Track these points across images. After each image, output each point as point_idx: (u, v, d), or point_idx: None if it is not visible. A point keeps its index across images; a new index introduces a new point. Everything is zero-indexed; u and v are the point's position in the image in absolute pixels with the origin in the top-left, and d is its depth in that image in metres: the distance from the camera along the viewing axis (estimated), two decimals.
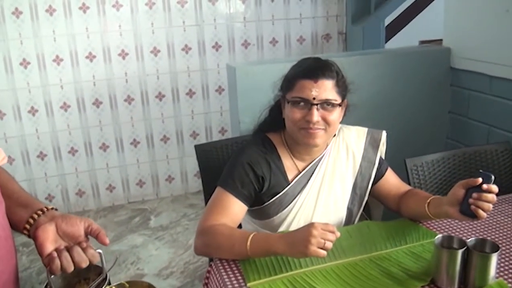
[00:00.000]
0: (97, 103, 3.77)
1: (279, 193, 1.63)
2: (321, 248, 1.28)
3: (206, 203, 1.98)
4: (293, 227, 1.62)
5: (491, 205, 1.34)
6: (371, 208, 1.90)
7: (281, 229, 1.66)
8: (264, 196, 1.63)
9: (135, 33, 3.71)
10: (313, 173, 1.66)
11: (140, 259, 3.19)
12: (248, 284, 1.32)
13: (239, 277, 1.37)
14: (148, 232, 3.58)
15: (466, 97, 2.75)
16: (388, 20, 4.12)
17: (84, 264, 1.00)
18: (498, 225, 1.61)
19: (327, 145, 1.69)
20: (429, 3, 4.18)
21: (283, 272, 1.37)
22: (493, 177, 1.35)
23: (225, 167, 1.66)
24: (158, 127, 3.97)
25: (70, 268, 0.99)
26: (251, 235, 1.40)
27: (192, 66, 3.90)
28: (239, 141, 2.04)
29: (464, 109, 2.78)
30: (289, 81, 1.59)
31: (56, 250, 1.01)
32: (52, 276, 1.11)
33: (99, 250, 1.05)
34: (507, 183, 1.99)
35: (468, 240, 1.30)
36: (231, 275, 1.38)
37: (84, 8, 3.54)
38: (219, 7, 3.85)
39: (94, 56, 3.66)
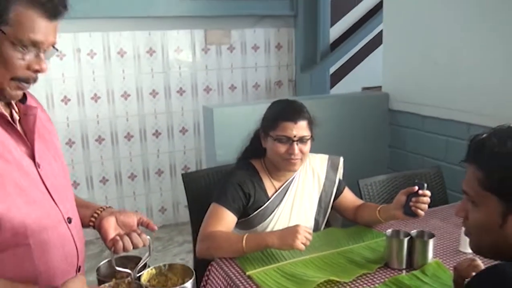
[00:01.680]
0: (70, 143, 4.04)
1: (261, 206, 2.01)
2: (302, 243, 1.68)
3: (191, 220, 2.33)
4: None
5: (426, 206, 1.79)
6: (330, 222, 2.31)
7: None
8: (249, 210, 2.01)
9: (107, 79, 4.05)
10: (287, 191, 2.06)
11: None
12: (248, 273, 1.69)
13: (238, 269, 1.72)
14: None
15: (403, 133, 3.27)
16: (332, 69, 4.69)
17: (140, 245, 1.34)
18: (431, 226, 2.07)
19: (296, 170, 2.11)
20: (368, 55, 4.77)
21: (272, 264, 1.75)
22: (425, 185, 1.80)
23: (217, 188, 2.02)
24: (126, 165, 4.27)
25: (130, 247, 1.32)
26: (245, 235, 1.77)
27: (159, 109, 4.27)
28: (220, 170, 2.40)
29: (401, 143, 3.29)
30: (273, 122, 1.98)
31: (118, 235, 1.34)
32: (101, 264, 1.43)
33: (148, 236, 1.39)
34: (438, 199, 2.47)
35: (411, 231, 1.74)
36: (231, 268, 1.74)
37: (61, 55, 3.86)
38: (184, 56, 4.27)
39: (69, 100, 3.96)
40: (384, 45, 3.43)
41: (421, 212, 1.79)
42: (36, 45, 1.11)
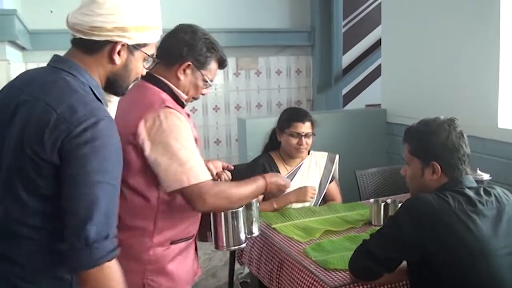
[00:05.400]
0: None
1: None
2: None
3: None
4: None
5: None
6: None
7: None
8: None
9: None
10: (296, 174, 2.83)
11: None
12: (273, 226, 2.45)
13: (266, 224, 2.49)
14: None
15: (397, 141, 4.00)
16: (344, 91, 5.48)
17: (227, 178, 2.04)
18: None
19: (303, 158, 2.87)
20: (376, 79, 5.54)
21: (289, 221, 2.51)
22: None
23: (247, 170, 2.80)
24: None
25: (228, 178, 2.04)
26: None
27: (198, 123, 5.07)
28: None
29: (396, 149, 4.03)
30: (287, 122, 2.78)
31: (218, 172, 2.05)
32: None
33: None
34: None
35: (387, 200, 2.50)
36: (261, 223, 2.50)
37: None
38: (219, 79, 5.10)
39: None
40: (383, 72, 4.23)
41: None
42: (211, 81, 1.88)
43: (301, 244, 2.23)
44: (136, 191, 1.67)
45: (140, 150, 1.62)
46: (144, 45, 1.41)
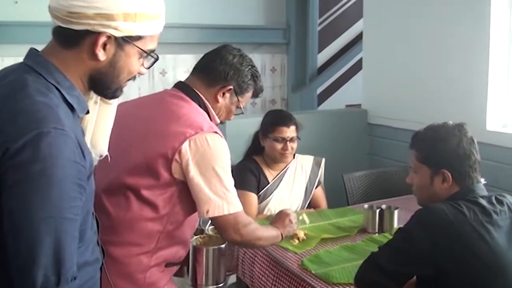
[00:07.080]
0: None
1: (264, 188, 2.67)
2: None
3: None
4: (272, 208, 2.66)
5: None
6: None
7: (265, 211, 2.67)
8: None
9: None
10: (282, 179, 2.72)
11: None
12: None
13: None
14: None
15: (379, 143, 3.94)
16: (319, 90, 5.39)
17: None
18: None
19: (288, 162, 2.75)
20: (351, 78, 5.47)
21: None
22: None
23: (235, 176, 2.66)
24: None
25: None
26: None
27: None
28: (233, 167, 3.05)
29: (378, 151, 3.96)
30: (271, 126, 2.65)
31: None
32: None
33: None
34: (407, 189, 3.13)
35: (382, 205, 2.40)
36: None
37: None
38: None
39: None
40: (364, 70, 4.14)
41: None
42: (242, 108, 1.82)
43: (297, 256, 2.10)
44: (149, 204, 1.57)
45: (171, 166, 1.54)
46: (138, 38, 1.16)
